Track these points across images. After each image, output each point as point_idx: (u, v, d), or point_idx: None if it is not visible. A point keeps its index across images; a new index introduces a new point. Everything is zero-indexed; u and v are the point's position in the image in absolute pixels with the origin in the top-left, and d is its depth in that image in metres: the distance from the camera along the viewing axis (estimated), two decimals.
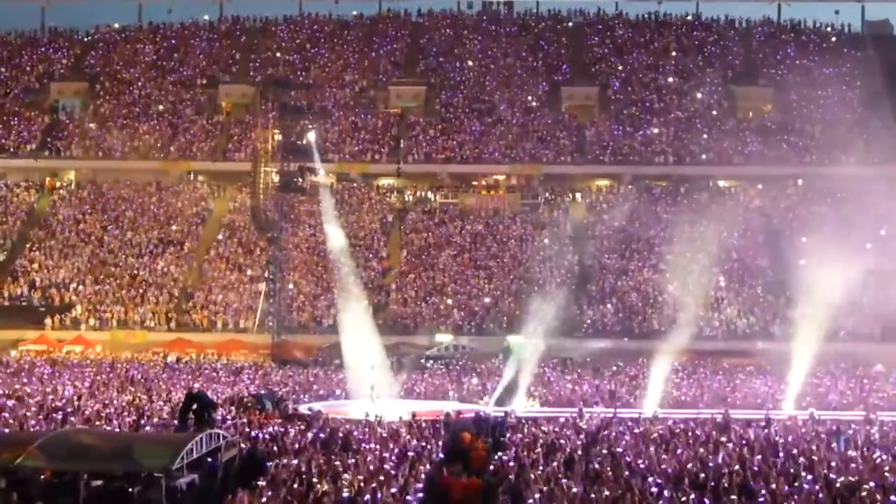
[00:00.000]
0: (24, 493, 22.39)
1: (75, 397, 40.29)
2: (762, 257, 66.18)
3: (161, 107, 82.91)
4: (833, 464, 27.12)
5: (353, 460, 27.03)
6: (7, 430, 31.40)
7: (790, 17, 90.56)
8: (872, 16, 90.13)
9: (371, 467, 26.00)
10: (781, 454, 28.43)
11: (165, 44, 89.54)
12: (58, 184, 78.97)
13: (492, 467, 27.29)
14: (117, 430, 32.11)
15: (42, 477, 22.99)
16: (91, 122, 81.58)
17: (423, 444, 30.24)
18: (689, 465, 26.57)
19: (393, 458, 27.64)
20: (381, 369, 48.05)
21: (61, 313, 65.24)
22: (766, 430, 33.39)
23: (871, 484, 24.34)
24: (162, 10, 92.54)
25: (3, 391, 42.19)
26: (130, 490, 22.77)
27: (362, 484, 23.92)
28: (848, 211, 64.16)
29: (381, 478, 24.61)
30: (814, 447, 29.72)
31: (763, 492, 23.46)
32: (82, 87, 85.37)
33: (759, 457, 27.98)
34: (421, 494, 24.88)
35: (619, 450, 28.91)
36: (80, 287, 67.53)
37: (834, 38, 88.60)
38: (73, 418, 34.55)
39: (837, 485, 24.51)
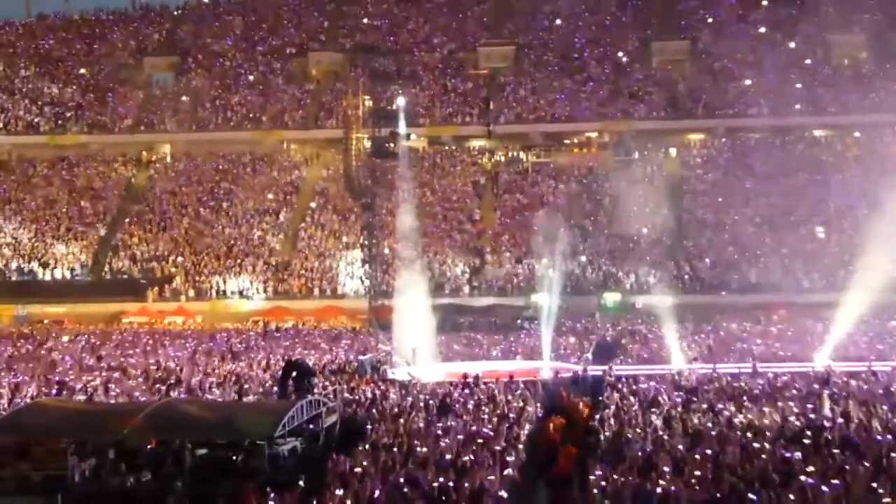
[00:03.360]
0: (132, 463, 22.85)
1: (178, 368, 40.93)
2: (861, 207, 64.88)
3: (252, 77, 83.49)
4: None
5: (451, 423, 27.17)
6: (114, 402, 32.05)
7: None
8: None
9: (470, 430, 26.08)
10: (886, 407, 28.00)
11: (254, 15, 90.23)
12: (154, 157, 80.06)
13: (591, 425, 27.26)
14: (219, 399, 32.60)
15: (148, 447, 23.41)
16: (184, 96, 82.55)
17: (522, 405, 30.29)
18: (791, 420, 26.30)
19: (492, 419, 27.72)
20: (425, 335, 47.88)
21: (161, 285, 66.27)
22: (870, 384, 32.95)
23: None
24: None
25: (109, 363, 43.07)
26: (234, 458, 23.12)
27: (462, 447, 24.01)
28: None
29: (480, 440, 24.67)
30: None
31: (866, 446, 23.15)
32: (174, 61, 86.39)
33: (862, 410, 27.61)
34: (526, 453, 24.97)
35: (720, 406, 28.75)
36: (179, 259, 68.53)
37: None
38: (176, 389, 35.17)
39: None
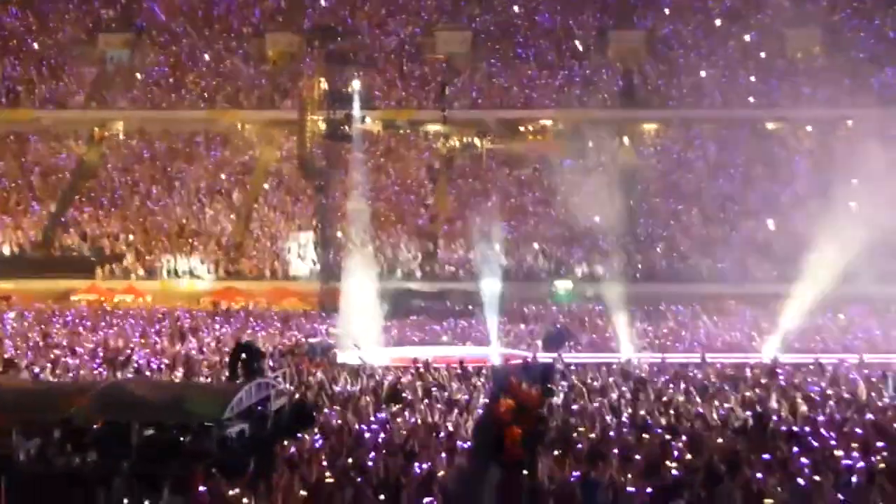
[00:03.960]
0: (78, 443, 22.70)
1: (127, 347, 40.73)
2: (812, 199, 65.32)
3: (208, 56, 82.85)
4: (881, 407, 27.06)
5: (400, 408, 27.23)
6: (60, 381, 31.82)
7: None
8: None
9: (419, 416, 26.15)
10: (832, 401, 28.36)
11: None
12: (106, 134, 79.31)
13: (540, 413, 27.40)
14: (168, 379, 32.47)
15: (95, 427, 23.26)
16: (138, 73, 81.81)
17: (470, 389, 30.41)
18: (738, 411, 26.58)
19: (442, 405, 27.80)
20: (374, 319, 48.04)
21: (111, 263, 65.72)
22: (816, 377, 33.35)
23: None
24: None
25: (57, 341, 42.76)
26: (182, 439, 23.02)
27: (411, 432, 24.06)
28: None
29: (429, 426, 24.74)
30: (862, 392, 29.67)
31: (811, 438, 23.43)
32: (130, 38, 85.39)
33: (808, 402, 27.94)
34: (474, 438, 25.07)
35: (668, 396, 29.00)
36: (130, 237, 68.00)
37: None
38: (125, 368, 34.99)
39: (890, 431, 24.41)
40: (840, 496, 18.81)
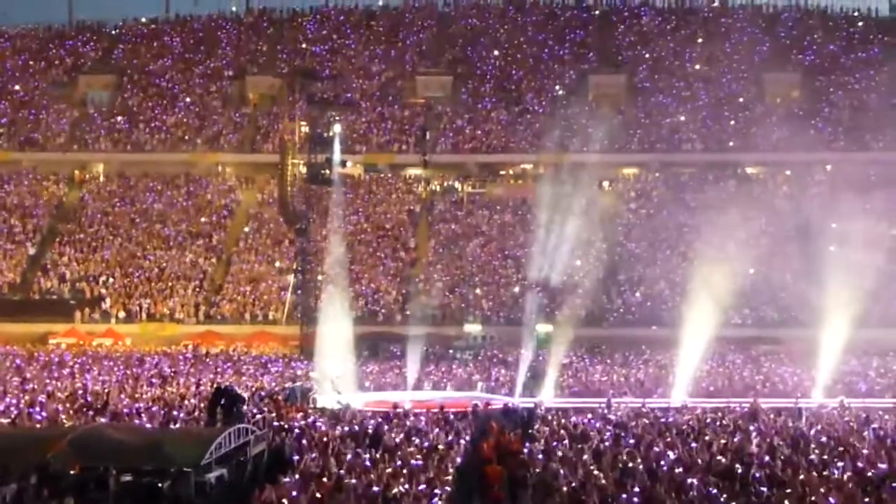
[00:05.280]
0: (55, 489, 22.49)
1: (105, 392, 40.45)
2: (791, 244, 65.69)
3: (189, 99, 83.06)
4: (864, 452, 27.01)
5: (381, 455, 27.08)
6: (38, 426, 31.57)
7: (817, 2, 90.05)
8: None
9: (399, 462, 26.01)
10: (812, 444, 28.34)
11: (192, 36, 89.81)
12: (87, 177, 79.25)
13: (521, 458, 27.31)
14: (147, 424, 32.25)
15: (72, 472, 23.08)
16: (119, 115, 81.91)
17: (453, 437, 30.26)
18: (719, 456, 26.51)
19: (422, 451, 27.66)
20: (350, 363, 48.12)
21: (91, 306, 65.40)
22: (795, 421, 33.36)
23: None
24: (188, 2, 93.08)
25: (34, 386, 42.42)
26: (160, 485, 22.85)
27: (391, 479, 23.94)
28: (877, 197, 63.72)
29: (409, 472, 24.61)
30: (844, 436, 29.66)
31: (792, 482, 23.39)
32: (111, 79, 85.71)
33: (789, 447, 27.92)
34: (456, 481, 25.00)
35: (649, 441, 28.92)
36: (110, 280, 67.73)
37: (861, 24, 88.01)
38: (103, 413, 34.73)
39: (869, 474, 24.39)
40: None
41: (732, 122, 77.62)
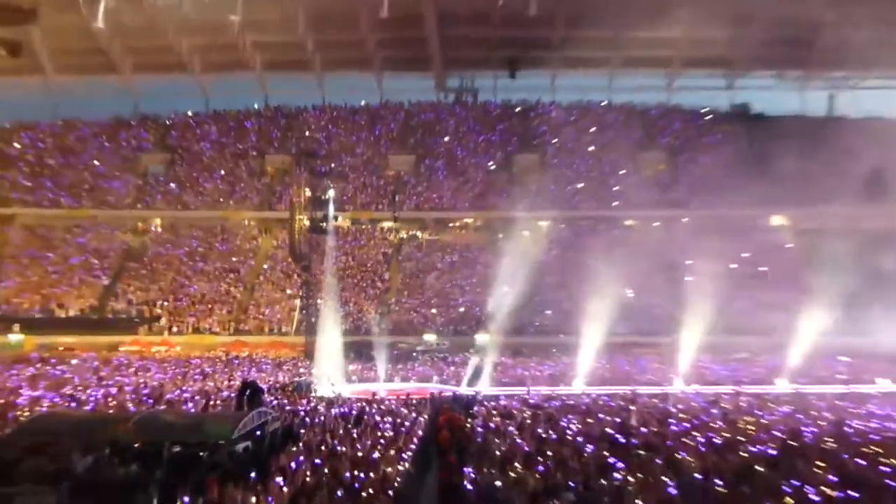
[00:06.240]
0: (123, 458, 22.24)
1: (160, 386, 40.09)
2: (659, 275, 66.13)
3: (223, 171, 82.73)
4: (713, 425, 27.18)
5: (363, 429, 26.94)
6: (110, 411, 31.24)
7: (677, 101, 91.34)
8: (737, 100, 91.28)
9: (377, 434, 25.91)
10: (674, 419, 28.49)
11: (226, 125, 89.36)
12: (147, 228, 78.70)
13: (466, 430, 27.28)
14: (191, 409, 31.97)
15: (136, 445, 22.82)
16: (171, 183, 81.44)
17: (416, 416, 30.21)
18: (608, 428, 26.57)
19: (392, 427, 27.57)
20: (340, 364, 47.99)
21: (150, 323, 64.99)
22: (663, 402, 33.56)
23: (738, 439, 24.40)
24: (223, 101, 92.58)
25: (109, 382, 42.00)
26: (201, 454, 22.63)
27: (371, 446, 23.83)
28: (719, 241, 64.38)
29: (384, 441, 24.52)
30: (697, 414, 29.85)
31: (661, 447, 23.47)
32: (165, 157, 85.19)
33: (658, 421, 28.04)
34: (421, 440, 25.02)
35: (557, 418, 28.94)
36: (164, 303, 67.26)
37: (709, 116, 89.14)
38: (158, 402, 34.43)
39: (716, 441, 24.51)
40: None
41: (616, 188, 78.26)
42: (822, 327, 47.18)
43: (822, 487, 18.49)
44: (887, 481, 19.14)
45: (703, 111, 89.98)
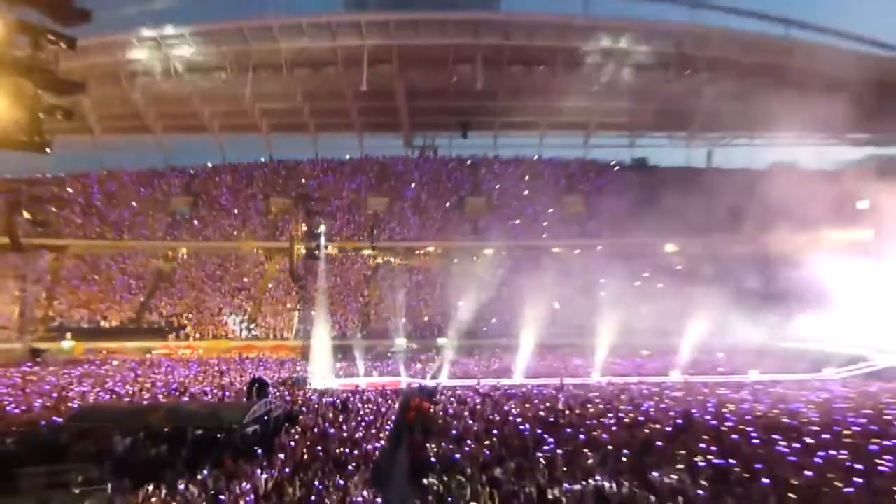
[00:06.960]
0: (154, 440, 21.90)
1: (185, 381, 39.44)
2: (579, 291, 66.41)
3: (236, 211, 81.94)
4: (622, 408, 27.32)
5: (348, 414, 26.71)
6: (145, 402, 30.69)
7: (592, 157, 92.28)
8: (637, 155, 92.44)
9: (359, 418, 25.70)
10: (591, 404, 28.59)
11: (238, 174, 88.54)
12: (176, 256, 77.58)
13: (430, 414, 27.14)
14: (210, 400, 31.47)
15: (165, 430, 22.46)
16: (195, 220, 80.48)
17: (390, 402, 30.00)
18: (541, 412, 26.61)
19: (371, 412, 27.35)
20: (329, 362, 47.46)
21: (177, 331, 63.91)
22: (584, 391, 33.65)
23: (641, 419, 24.55)
24: (237, 154, 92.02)
25: (143, 379, 41.25)
26: (218, 436, 22.33)
27: (354, 428, 23.63)
28: (626, 265, 65.01)
29: (365, 424, 24.33)
30: (610, 398, 29.97)
31: (581, 425, 23.53)
32: (190, 200, 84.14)
33: (580, 405, 28.12)
34: (395, 419, 24.84)
35: (502, 403, 28.92)
36: (189, 316, 66.24)
37: (616, 168, 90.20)
38: (184, 394, 33.84)
39: (626, 420, 24.64)
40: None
41: (545, 224, 78.74)
42: (704, 330, 47.77)
43: (708, 457, 18.65)
44: (757, 451, 19.35)
45: (611, 164, 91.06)
